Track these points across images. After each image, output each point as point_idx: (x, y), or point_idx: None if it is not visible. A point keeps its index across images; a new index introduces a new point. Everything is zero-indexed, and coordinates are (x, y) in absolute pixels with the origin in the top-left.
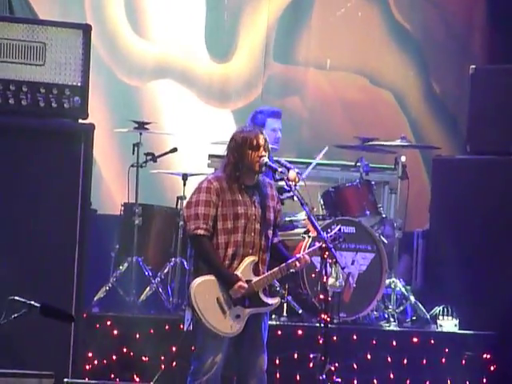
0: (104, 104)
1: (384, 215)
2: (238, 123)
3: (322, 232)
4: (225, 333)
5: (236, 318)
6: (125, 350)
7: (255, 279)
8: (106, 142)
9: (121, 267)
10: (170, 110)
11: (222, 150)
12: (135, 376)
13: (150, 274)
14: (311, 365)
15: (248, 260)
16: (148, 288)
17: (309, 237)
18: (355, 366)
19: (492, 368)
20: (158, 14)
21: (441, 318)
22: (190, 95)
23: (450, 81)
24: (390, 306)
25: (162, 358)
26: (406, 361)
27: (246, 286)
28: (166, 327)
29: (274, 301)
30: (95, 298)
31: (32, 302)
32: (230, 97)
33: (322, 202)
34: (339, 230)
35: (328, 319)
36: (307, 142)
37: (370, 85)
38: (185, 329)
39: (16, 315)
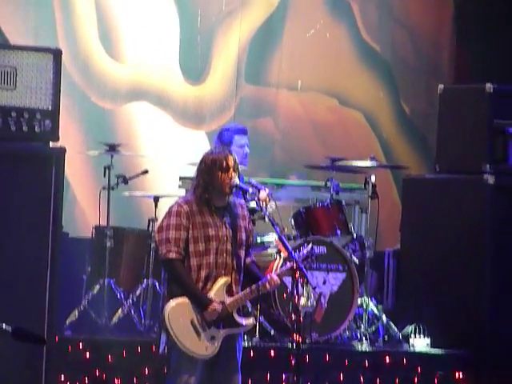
0: (78, 127)
1: (355, 235)
2: (212, 145)
3: (293, 252)
4: (200, 355)
5: (211, 340)
6: (97, 372)
7: (229, 300)
8: (80, 165)
9: (93, 290)
10: (144, 132)
11: (193, 172)
12: None
13: (122, 296)
14: None
15: (221, 281)
16: (120, 310)
17: (280, 257)
18: None
19: None
20: (131, 36)
21: (412, 336)
22: (165, 117)
23: (420, 100)
24: (362, 326)
25: (135, 380)
26: (378, 380)
27: (219, 307)
28: (139, 349)
29: (248, 321)
30: (67, 321)
31: (3, 326)
32: (204, 118)
33: (292, 223)
34: (311, 248)
35: (300, 340)
36: (280, 162)
37: (340, 106)
38: (160, 352)
39: None
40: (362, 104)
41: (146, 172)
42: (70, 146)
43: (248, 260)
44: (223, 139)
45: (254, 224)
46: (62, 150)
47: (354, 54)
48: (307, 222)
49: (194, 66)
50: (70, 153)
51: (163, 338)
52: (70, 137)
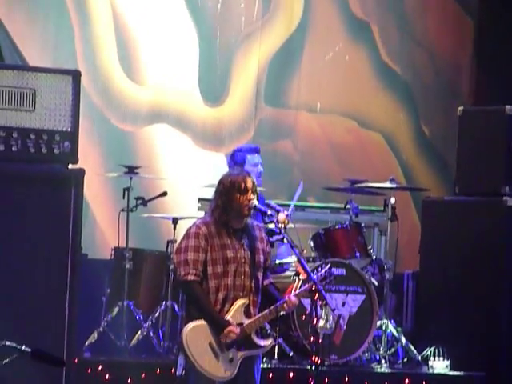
0: (97, 149)
1: (374, 257)
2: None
3: (311, 274)
4: (219, 377)
5: (229, 362)
6: None
7: (247, 322)
8: (99, 187)
9: (112, 311)
10: (163, 154)
11: (212, 194)
12: None
13: (141, 318)
14: None
15: (239, 303)
16: (139, 332)
17: (299, 279)
18: None
19: None
20: (150, 58)
21: (432, 359)
22: (184, 139)
23: (439, 122)
24: (381, 348)
25: None
26: None
27: (236, 330)
28: (158, 371)
29: (266, 342)
30: (86, 343)
31: (23, 347)
32: (224, 140)
33: (312, 245)
34: (329, 269)
35: (319, 361)
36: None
37: (359, 127)
38: (177, 374)
39: (7, 360)
40: (381, 126)
41: (164, 194)
42: (89, 167)
43: (266, 282)
44: (236, 160)
45: (272, 246)
46: (82, 172)
47: (374, 75)
48: (326, 243)
49: (213, 88)
50: (89, 175)
51: (181, 360)
52: (89, 159)
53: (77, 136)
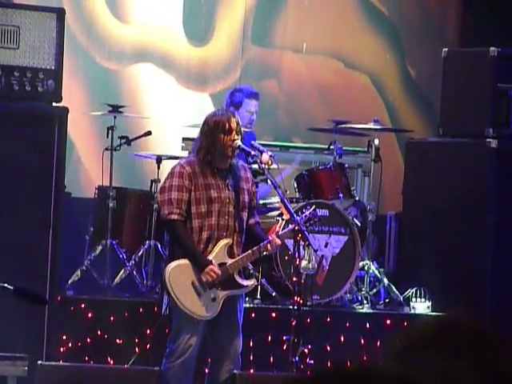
0: (82, 88)
1: (357, 198)
2: (216, 106)
3: (295, 215)
4: (201, 316)
5: (211, 301)
6: (99, 332)
7: (230, 261)
8: (84, 126)
9: (95, 250)
10: (148, 93)
11: (196, 134)
12: (109, 358)
13: (125, 256)
14: (284, 347)
15: (222, 243)
16: (122, 271)
17: (282, 219)
18: (328, 348)
19: None
20: None
21: (414, 300)
22: (169, 79)
23: (425, 64)
24: (363, 289)
25: (137, 340)
26: (379, 343)
27: (217, 270)
28: (141, 310)
29: (249, 282)
30: (69, 281)
31: (5, 285)
32: (209, 80)
33: (295, 185)
34: (314, 210)
35: (301, 302)
36: (284, 125)
37: (345, 68)
38: (162, 313)
39: None
40: (367, 67)
41: (148, 133)
42: (73, 106)
43: (252, 221)
44: (234, 99)
45: (256, 186)
46: (65, 110)
47: (361, 16)
48: (310, 184)
49: (198, 28)
50: (74, 113)
51: (165, 299)
52: (73, 97)
53: (61, 74)
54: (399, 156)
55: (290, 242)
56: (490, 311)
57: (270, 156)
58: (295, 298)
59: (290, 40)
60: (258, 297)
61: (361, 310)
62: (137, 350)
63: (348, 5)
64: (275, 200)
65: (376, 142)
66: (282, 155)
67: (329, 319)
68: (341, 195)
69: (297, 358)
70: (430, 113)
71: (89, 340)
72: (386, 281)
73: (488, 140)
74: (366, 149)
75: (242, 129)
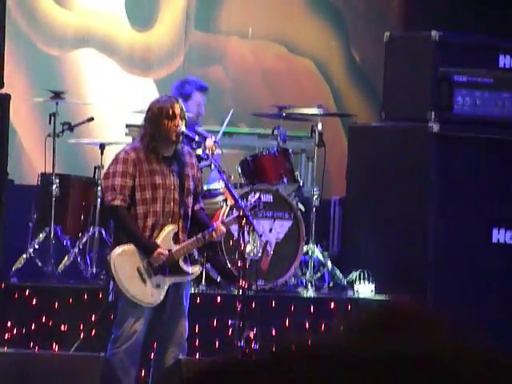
0: (24, 74)
1: (301, 183)
2: (160, 92)
3: (239, 200)
4: (145, 302)
5: (156, 288)
6: (44, 319)
7: (175, 248)
8: (26, 112)
9: (39, 237)
10: (90, 79)
11: (141, 120)
12: (54, 345)
13: (69, 243)
14: (230, 332)
15: (167, 229)
16: (66, 258)
17: (227, 205)
18: (274, 332)
19: None
20: None
21: (357, 283)
22: (112, 64)
23: (369, 49)
24: (308, 273)
25: (81, 327)
26: (323, 326)
27: (165, 252)
28: (85, 297)
29: (194, 269)
30: (13, 269)
31: None
32: (152, 66)
33: (239, 171)
34: (259, 198)
35: (246, 287)
36: (229, 111)
37: (289, 53)
38: (109, 299)
39: None
40: (312, 52)
41: (91, 119)
42: (15, 92)
43: (197, 207)
44: (183, 91)
45: (201, 172)
46: (7, 97)
47: (305, 1)
48: (254, 170)
49: (141, 13)
50: (16, 100)
51: (111, 285)
52: (14, 83)
53: (2, 60)
54: (345, 141)
55: (234, 228)
56: (432, 294)
57: (214, 142)
58: (240, 283)
59: (234, 25)
60: (203, 282)
61: (305, 295)
62: (81, 336)
63: None
64: (219, 185)
65: (319, 126)
66: (226, 140)
67: (274, 304)
68: (285, 180)
69: (242, 343)
70: (375, 97)
71: (33, 327)
72: (329, 265)
73: (430, 124)
74: (309, 134)
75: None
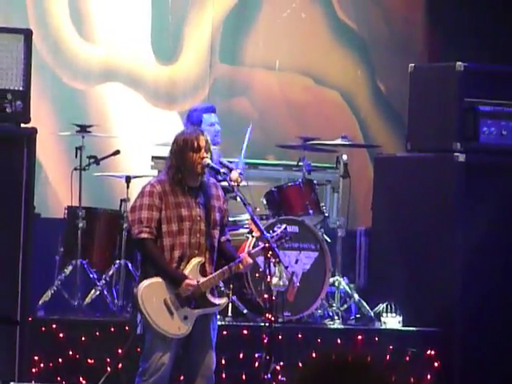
0: (50, 108)
1: (327, 214)
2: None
3: (265, 232)
4: (173, 334)
5: (184, 320)
6: (70, 352)
7: (202, 280)
8: (52, 146)
9: (65, 270)
10: (116, 112)
11: (166, 152)
12: (81, 378)
13: (95, 276)
14: (256, 364)
15: (194, 261)
16: (93, 291)
17: (252, 237)
18: (300, 364)
19: (436, 364)
20: (103, 16)
21: (384, 315)
22: (137, 98)
23: (395, 79)
24: (334, 304)
25: (108, 360)
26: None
27: (194, 283)
28: (112, 329)
29: (221, 301)
30: (40, 302)
31: None
32: (177, 99)
33: (264, 202)
34: (285, 229)
35: (272, 319)
36: (256, 142)
37: (316, 85)
38: (138, 332)
39: None
40: (338, 83)
41: (117, 152)
42: (41, 126)
43: (223, 239)
44: (192, 120)
45: (227, 203)
46: (34, 131)
47: (330, 32)
48: (279, 201)
49: (166, 46)
50: (42, 134)
51: (139, 317)
52: (41, 118)
53: (29, 95)
54: (371, 171)
55: (260, 259)
56: (459, 325)
57: (240, 174)
58: (266, 315)
59: (260, 57)
60: (230, 314)
61: (332, 326)
62: (108, 369)
63: (317, 22)
64: (245, 217)
65: (344, 157)
66: (252, 172)
67: (300, 335)
68: (310, 211)
69: (269, 375)
70: (401, 127)
71: (60, 360)
72: (356, 296)
73: (456, 154)
74: (334, 165)
75: (211, 143)
